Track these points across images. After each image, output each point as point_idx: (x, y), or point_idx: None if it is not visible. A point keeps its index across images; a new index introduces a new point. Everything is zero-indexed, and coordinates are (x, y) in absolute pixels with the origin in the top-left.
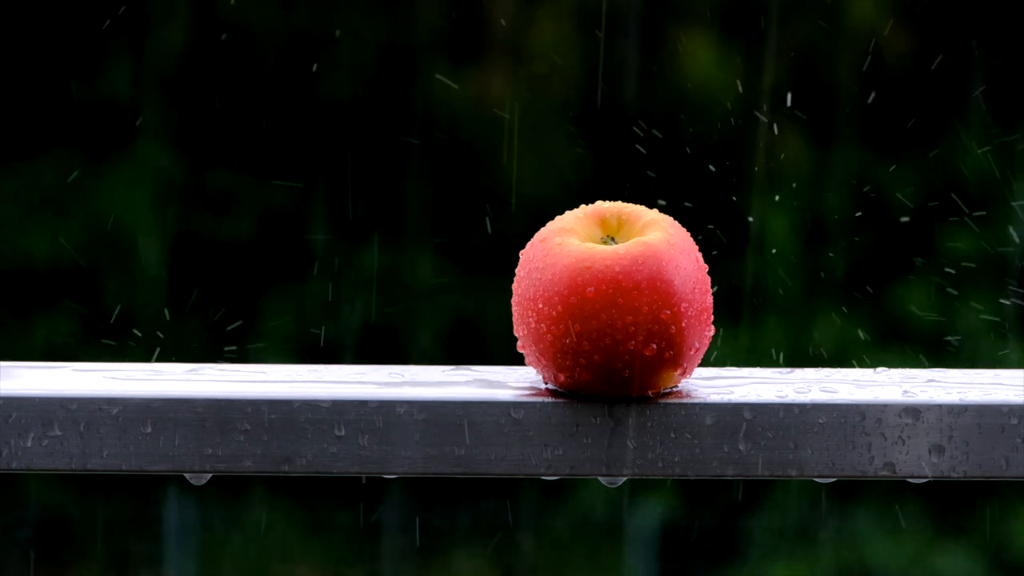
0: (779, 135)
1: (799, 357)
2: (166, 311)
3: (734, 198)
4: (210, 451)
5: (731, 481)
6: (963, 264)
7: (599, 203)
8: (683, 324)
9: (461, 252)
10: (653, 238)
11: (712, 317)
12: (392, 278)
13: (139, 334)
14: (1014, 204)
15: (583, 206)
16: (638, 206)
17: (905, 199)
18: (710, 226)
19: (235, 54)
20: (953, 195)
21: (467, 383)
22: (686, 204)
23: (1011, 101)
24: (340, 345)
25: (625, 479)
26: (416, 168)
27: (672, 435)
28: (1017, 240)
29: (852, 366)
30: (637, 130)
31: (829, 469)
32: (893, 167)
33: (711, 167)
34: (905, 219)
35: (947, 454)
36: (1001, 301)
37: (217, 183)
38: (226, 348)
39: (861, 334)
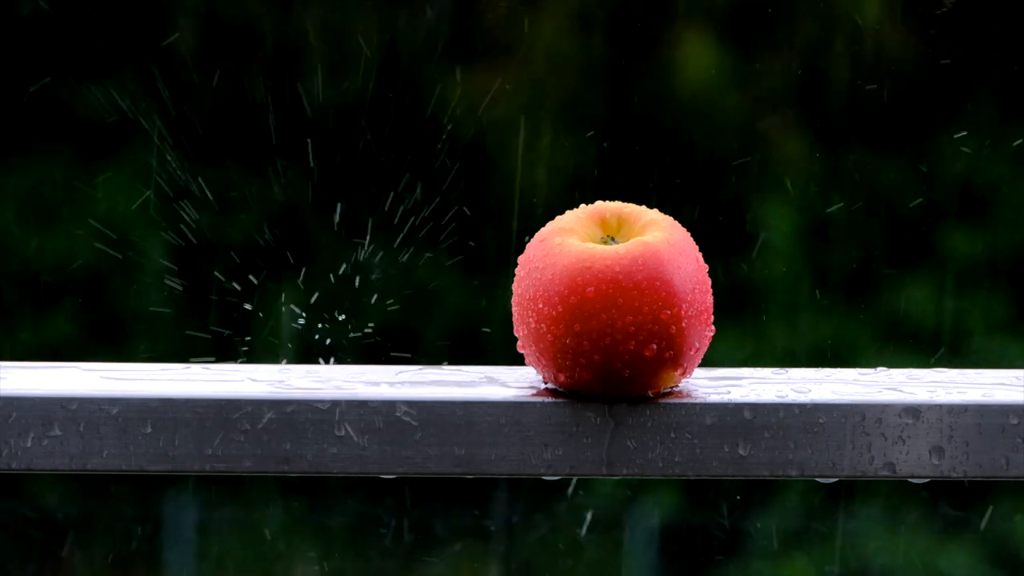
0: (780, 134)
1: (799, 357)
2: (166, 311)
3: (734, 197)
4: (210, 451)
5: (732, 481)
6: (964, 263)
7: (599, 203)
8: (683, 324)
9: (461, 252)
10: (653, 238)
11: (712, 317)
12: (392, 278)
13: (139, 334)
14: (1016, 203)
15: (583, 206)
16: (638, 206)
17: (907, 198)
18: (710, 226)
19: (235, 53)
20: (955, 194)
21: (467, 383)
22: (686, 204)
23: (1014, 100)
24: (341, 345)
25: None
26: (416, 168)
27: (672, 435)
28: (1019, 239)
29: (852, 366)
30: (637, 130)
31: (829, 469)
32: (895, 166)
33: (711, 167)
34: (906, 218)
35: (947, 454)
36: (1002, 301)
37: (218, 182)
38: (226, 348)
39: (861, 334)
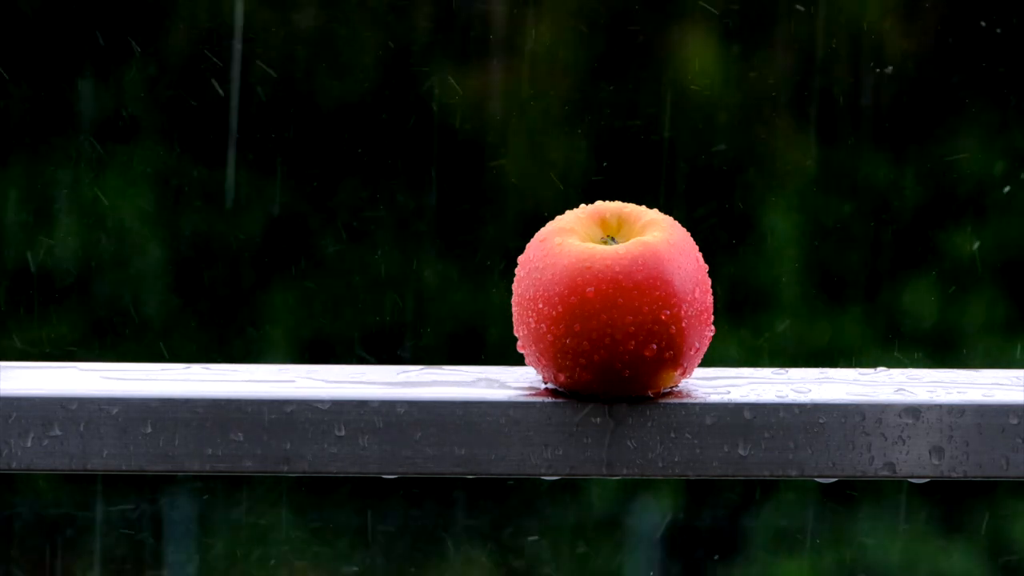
0: (780, 134)
1: (800, 357)
2: (166, 311)
3: (735, 197)
4: (210, 451)
5: (731, 480)
6: (964, 263)
7: (599, 203)
8: (683, 324)
9: (461, 252)
10: (653, 238)
11: (712, 317)
12: (392, 278)
13: (140, 334)
14: (1016, 203)
15: (583, 206)
16: (638, 206)
17: (907, 198)
18: (711, 226)
19: (236, 53)
20: (955, 194)
21: (467, 383)
22: (686, 204)
23: (1013, 100)
24: (341, 345)
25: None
26: (416, 168)
27: (672, 435)
28: (1019, 239)
29: (852, 366)
30: (637, 129)
31: (829, 469)
32: (895, 166)
33: (711, 166)
34: (906, 218)
35: (947, 454)
36: (1002, 301)
37: (218, 182)
38: (227, 348)
39: (861, 334)
